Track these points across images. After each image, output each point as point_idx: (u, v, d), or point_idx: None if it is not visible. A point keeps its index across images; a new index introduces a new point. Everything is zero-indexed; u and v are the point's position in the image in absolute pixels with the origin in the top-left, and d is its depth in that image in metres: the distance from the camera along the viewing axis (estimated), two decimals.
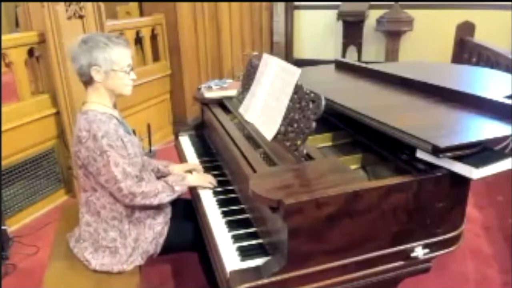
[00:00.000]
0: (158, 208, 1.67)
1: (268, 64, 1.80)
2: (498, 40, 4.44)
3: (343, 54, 5.90)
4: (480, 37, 4.36)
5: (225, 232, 1.46)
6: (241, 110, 1.93)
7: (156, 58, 4.01)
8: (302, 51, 6.56)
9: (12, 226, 2.68)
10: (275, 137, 1.58)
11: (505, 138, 1.34)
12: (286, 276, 1.20)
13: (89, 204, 1.62)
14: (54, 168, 3.03)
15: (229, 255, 1.33)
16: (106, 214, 1.60)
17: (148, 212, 1.64)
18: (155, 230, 1.64)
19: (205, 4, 4.31)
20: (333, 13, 5.89)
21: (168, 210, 1.72)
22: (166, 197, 1.61)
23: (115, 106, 1.67)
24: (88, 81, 1.56)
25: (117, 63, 1.54)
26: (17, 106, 2.70)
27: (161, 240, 1.66)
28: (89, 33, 1.69)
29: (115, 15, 4.04)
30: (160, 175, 1.91)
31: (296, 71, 1.57)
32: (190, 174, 1.86)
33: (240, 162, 1.56)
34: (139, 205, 1.58)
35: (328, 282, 1.27)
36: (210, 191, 1.73)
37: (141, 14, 4.12)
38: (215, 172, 1.91)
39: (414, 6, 5.54)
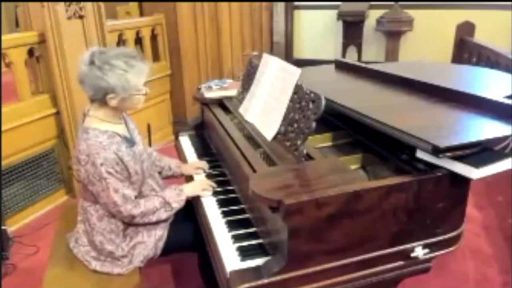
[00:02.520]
0: None
1: (268, 64, 1.80)
2: (498, 40, 4.43)
3: (343, 54, 5.89)
4: (480, 37, 4.36)
5: (225, 232, 1.46)
6: (241, 110, 1.93)
7: (156, 58, 4.01)
8: (302, 51, 6.55)
9: (12, 226, 2.68)
10: (275, 137, 1.58)
11: (505, 138, 1.34)
12: (286, 276, 1.20)
13: (86, 214, 1.60)
14: (54, 168, 3.03)
15: (229, 255, 1.33)
16: (103, 227, 1.57)
17: None
18: (155, 236, 1.63)
19: (205, 4, 4.30)
20: (333, 13, 5.88)
21: None
22: (164, 213, 1.60)
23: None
24: (99, 103, 1.47)
25: (134, 87, 1.44)
26: (17, 106, 2.70)
27: (161, 243, 1.65)
28: (99, 50, 1.42)
29: (115, 15, 4.05)
30: (171, 174, 1.92)
31: (296, 71, 1.57)
32: (192, 178, 1.88)
33: (240, 162, 1.56)
34: (138, 223, 1.58)
35: (328, 282, 1.27)
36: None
37: (141, 14, 4.12)
38: (215, 172, 1.91)
39: (414, 6, 5.53)
